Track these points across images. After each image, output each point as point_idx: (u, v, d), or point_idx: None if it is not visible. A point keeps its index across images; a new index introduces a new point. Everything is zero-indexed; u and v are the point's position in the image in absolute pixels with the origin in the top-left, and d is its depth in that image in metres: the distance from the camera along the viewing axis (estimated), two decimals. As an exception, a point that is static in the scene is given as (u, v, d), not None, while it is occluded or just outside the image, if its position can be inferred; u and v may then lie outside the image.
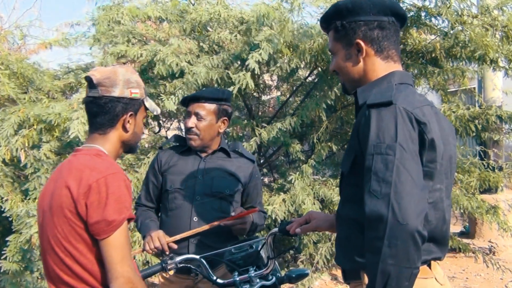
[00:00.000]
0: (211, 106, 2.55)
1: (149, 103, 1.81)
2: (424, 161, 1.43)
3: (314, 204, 4.27)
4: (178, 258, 2.19)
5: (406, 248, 1.31)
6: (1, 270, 3.90)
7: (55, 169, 1.78)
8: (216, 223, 2.43)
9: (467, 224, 7.56)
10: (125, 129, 1.74)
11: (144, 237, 2.43)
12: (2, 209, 4.02)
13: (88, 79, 1.70)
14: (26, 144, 4.02)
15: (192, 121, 2.54)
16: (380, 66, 1.61)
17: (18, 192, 4.13)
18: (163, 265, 2.16)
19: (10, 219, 3.96)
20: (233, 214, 2.45)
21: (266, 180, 5.78)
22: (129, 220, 1.59)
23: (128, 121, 1.74)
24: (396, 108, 1.41)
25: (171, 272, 2.41)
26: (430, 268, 1.52)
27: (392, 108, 1.41)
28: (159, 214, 2.67)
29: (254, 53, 3.93)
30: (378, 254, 1.33)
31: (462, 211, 4.89)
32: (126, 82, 1.71)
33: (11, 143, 3.96)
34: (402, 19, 1.68)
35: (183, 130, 4.71)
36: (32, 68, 4.87)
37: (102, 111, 1.70)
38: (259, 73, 4.41)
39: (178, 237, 2.41)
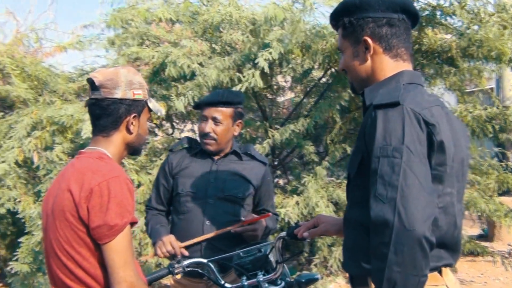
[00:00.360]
0: (228, 110, 2.52)
1: (152, 104, 1.78)
2: (433, 164, 1.37)
3: (328, 206, 4.23)
4: (186, 262, 2.16)
5: (413, 254, 1.25)
6: (13, 272, 3.93)
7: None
8: (227, 229, 2.39)
9: (486, 227, 7.44)
10: (128, 131, 1.72)
11: (154, 243, 2.41)
12: (16, 211, 4.05)
13: (90, 81, 1.68)
14: (39, 146, 4.06)
15: (209, 126, 2.50)
16: (389, 65, 1.56)
17: (31, 194, 4.16)
18: (170, 269, 2.13)
19: (23, 220, 3.99)
20: (242, 219, 2.42)
21: (280, 182, 5.74)
22: (132, 224, 1.57)
23: (132, 123, 1.71)
24: (403, 109, 1.36)
25: (179, 276, 2.39)
26: (441, 275, 1.46)
27: (399, 109, 1.36)
28: (170, 217, 2.64)
29: (264, 52, 3.90)
30: (384, 260, 1.28)
31: (479, 214, 4.79)
32: (129, 83, 1.69)
33: (24, 145, 4.00)
34: (413, 17, 1.62)
35: (196, 132, 4.70)
36: (46, 70, 4.92)
37: (105, 113, 1.67)
38: (269, 72, 4.37)
39: (189, 242, 2.38)
